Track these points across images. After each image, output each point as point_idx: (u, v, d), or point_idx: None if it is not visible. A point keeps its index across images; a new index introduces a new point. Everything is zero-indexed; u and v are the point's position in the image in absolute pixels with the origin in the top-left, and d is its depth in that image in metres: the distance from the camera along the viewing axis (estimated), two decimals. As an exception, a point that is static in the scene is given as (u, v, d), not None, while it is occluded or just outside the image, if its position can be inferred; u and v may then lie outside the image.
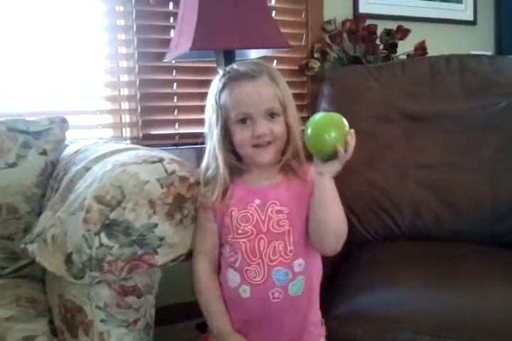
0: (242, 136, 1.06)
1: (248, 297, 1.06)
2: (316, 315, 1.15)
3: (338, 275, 1.43)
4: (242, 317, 1.09)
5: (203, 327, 1.19)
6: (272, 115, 1.06)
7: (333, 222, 1.04)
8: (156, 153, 1.17)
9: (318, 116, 1.02)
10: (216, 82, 1.10)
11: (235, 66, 1.10)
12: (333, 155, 0.99)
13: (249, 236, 1.07)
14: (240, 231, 1.07)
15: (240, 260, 1.07)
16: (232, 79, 1.07)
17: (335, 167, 1.01)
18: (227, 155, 1.09)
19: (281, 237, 1.06)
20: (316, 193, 1.04)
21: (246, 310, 1.08)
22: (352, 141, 0.99)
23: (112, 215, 1.00)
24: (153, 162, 1.08)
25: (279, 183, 1.10)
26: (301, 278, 1.08)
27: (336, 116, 1.02)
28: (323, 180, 1.02)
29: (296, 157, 1.11)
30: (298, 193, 1.09)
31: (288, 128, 1.08)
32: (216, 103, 1.09)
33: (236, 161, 1.11)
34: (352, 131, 1.00)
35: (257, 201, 1.08)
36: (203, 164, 1.13)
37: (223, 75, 1.09)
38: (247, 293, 1.06)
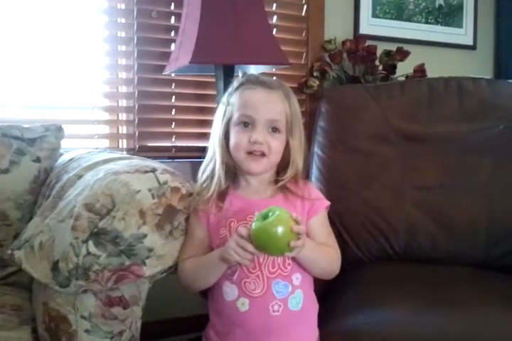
0: (239, 139, 1.07)
1: (247, 310, 1.05)
2: (315, 331, 1.15)
3: (330, 293, 1.41)
4: (241, 332, 1.06)
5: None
6: (274, 129, 1.08)
7: (322, 273, 1.12)
8: (149, 163, 1.16)
9: (256, 228, 0.97)
10: (233, 82, 1.13)
11: (256, 74, 1.13)
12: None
13: None
14: None
15: (238, 272, 1.06)
16: (249, 82, 1.10)
17: (301, 250, 1.00)
18: (225, 154, 1.10)
19: None
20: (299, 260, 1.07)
21: (245, 324, 1.05)
22: (299, 227, 0.97)
23: (101, 224, 0.99)
24: (146, 172, 1.08)
25: (277, 198, 1.11)
26: (299, 291, 1.08)
27: (274, 218, 0.97)
28: (299, 256, 1.04)
29: (293, 178, 1.13)
30: (296, 209, 1.09)
31: (291, 151, 1.10)
32: (227, 100, 1.11)
33: (234, 163, 1.11)
34: (295, 216, 0.99)
35: (257, 213, 1.06)
36: (203, 163, 1.14)
37: (242, 76, 1.12)
38: (245, 306, 1.05)
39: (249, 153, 1.07)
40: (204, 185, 1.11)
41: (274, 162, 1.10)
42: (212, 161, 1.11)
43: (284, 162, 1.12)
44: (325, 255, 1.10)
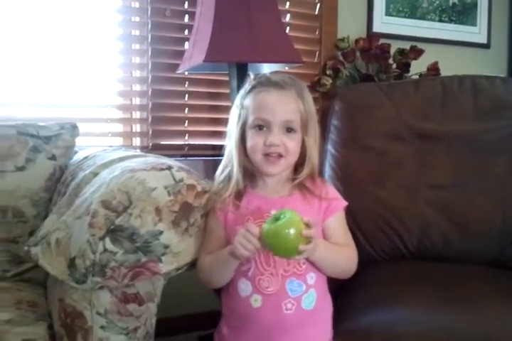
0: (255, 142, 1.07)
1: (259, 307, 1.06)
2: (329, 331, 1.15)
3: (342, 292, 1.41)
4: (253, 328, 1.07)
5: (205, 340, 1.17)
6: (289, 129, 1.07)
7: (339, 273, 1.13)
8: (165, 160, 1.17)
9: (266, 229, 0.98)
10: (246, 84, 1.13)
11: (267, 74, 1.14)
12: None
13: None
14: None
15: (252, 269, 1.06)
16: (261, 84, 1.10)
17: (313, 252, 1.01)
18: (242, 157, 1.10)
19: None
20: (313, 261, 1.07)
21: (257, 320, 1.06)
22: (309, 232, 0.97)
23: (118, 221, 1.00)
24: (162, 169, 1.08)
25: (294, 196, 1.12)
26: (313, 291, 1.08)
27: (284, 221, 0.97)
28: (313, 258, 1.04)
29: (310, 176, 1.13)
30: (313, 208, 1.10)
31: (306, 148, 1.10)
32: (240, 103, 1.11)
33: (251, 165, 1.11)
34: (306, 220, 0.99)
35: (274, 211, 1.07)
36: (221, 164, 1.15)
37: (254, 79, 1.12)
38: (258, 302, 1.06)
39: (266, 154, 1.07)
40: (221, 185, 1.12)
41: (291, 162, 1.11)
42: (230, 163, 1.12)
43: (300, 159, 1.12)
44: (341, 254, 1.11)
